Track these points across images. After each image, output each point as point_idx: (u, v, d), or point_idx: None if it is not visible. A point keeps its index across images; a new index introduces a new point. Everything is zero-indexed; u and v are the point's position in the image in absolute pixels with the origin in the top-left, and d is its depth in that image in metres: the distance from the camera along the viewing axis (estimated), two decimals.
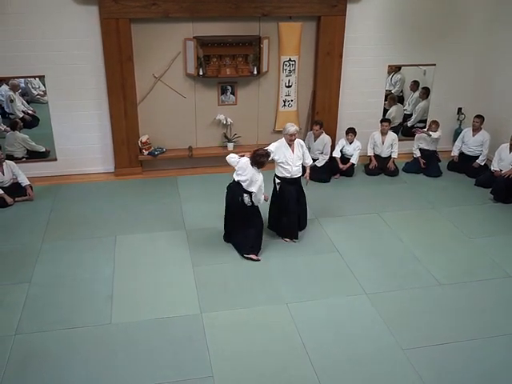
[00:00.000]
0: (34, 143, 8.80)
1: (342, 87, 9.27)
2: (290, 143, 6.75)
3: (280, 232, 7.10)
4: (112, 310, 5.64)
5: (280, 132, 9.36)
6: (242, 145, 9.29)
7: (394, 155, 9.24)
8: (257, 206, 6.57)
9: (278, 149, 6.72)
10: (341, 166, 8.98)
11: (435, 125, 9.16)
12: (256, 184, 6.31)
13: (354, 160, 9.02)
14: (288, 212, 6.89)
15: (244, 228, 6.59)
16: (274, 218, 7.11)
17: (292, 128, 6.67)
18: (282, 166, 6.79)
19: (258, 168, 6.33)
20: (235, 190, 6.49)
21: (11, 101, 8.83)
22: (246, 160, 6.42)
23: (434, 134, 9.04)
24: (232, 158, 6.57)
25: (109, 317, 5.54)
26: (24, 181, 7.98)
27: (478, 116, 9.11)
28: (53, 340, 5.21)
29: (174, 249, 6.85)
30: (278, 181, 6.90)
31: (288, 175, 6.81)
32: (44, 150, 8.86)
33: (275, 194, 6.99)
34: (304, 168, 7.08)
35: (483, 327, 5.49)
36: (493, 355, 5.12)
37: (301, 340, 5.25)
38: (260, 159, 6.27)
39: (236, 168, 6.52)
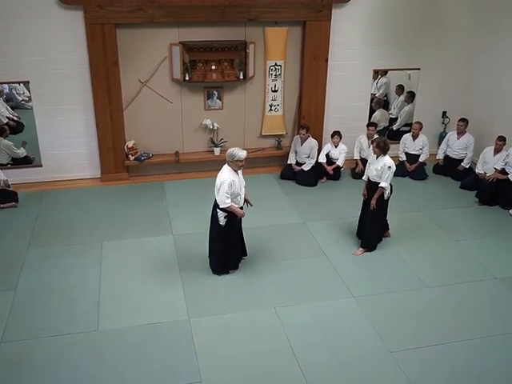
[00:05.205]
0: (18, 150, 8.63)
1: (328, 91, 9.31)
2: (239, 169, 5.99)
3: (229, 265, 6.41)
4: (99, 317, 5.60)
5: (266, 137, 9.48)
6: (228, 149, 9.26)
7: None
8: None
9: (234, 180, 5.90)
10: (328, 168, 9.02)
11: (418, 124, 9.27)
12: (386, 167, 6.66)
13: (340, 162, 9.06)
14: (232, 244, 6.26)
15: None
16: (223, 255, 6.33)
17: (244, 153, 5.87)
18: (232, 198, 5.96)
19: (385, 154, 6.67)
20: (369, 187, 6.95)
21: None
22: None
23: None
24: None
25: (96, 323, 5.50)
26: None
27: (463, 119, 9.19)
28: (39, 348, 5.16)
29: (161, 254, 6.82)
30: (225, 214, 6.00)
31: (238, 206, 6.09)
32: (25, 153, 8.70)
33: (219, 231, 6.13)
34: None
35: (470, 329, 5.53)
36: (480, 356, 5.16)
37: (289, 343, 5.26)
38: (386, 143, 6.64)
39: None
